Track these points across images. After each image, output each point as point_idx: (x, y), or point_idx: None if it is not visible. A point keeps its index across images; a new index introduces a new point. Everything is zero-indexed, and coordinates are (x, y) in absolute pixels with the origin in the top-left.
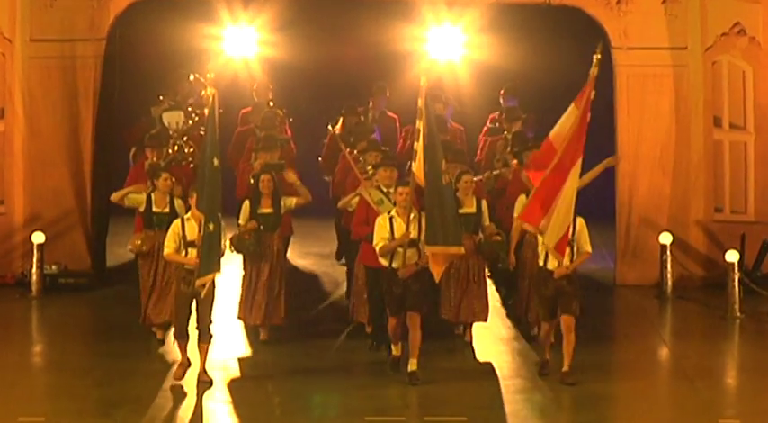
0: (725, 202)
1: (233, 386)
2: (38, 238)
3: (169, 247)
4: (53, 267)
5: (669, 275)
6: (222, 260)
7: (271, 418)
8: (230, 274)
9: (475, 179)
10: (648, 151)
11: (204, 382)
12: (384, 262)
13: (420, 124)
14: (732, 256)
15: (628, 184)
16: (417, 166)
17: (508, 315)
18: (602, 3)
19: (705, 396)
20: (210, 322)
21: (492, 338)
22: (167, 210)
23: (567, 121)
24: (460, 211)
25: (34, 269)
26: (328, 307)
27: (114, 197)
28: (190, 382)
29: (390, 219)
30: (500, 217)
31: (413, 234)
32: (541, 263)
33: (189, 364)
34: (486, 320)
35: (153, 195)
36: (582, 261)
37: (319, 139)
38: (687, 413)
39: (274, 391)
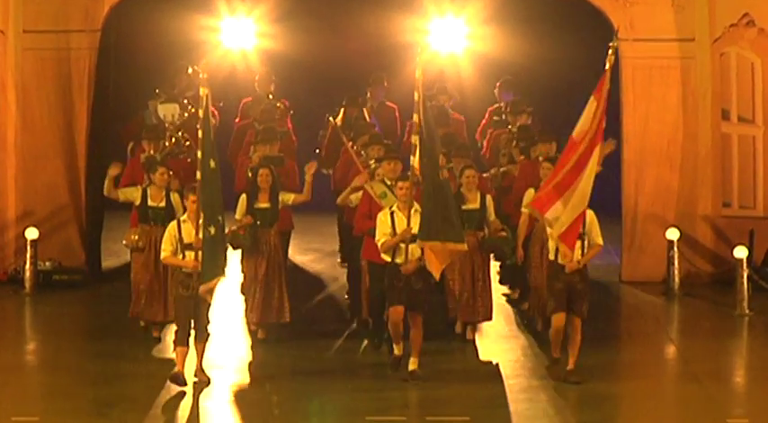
0: (733, 197)
1: (231, 385)
2: (31, 233)
3: (166, 250)
4: (47, 264)
5: (676, 272)
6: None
7: (269, 418)
8: (228, 273)
9: (483, 175)
10: (655, 145)
11: (201, 381)
12: (387, 258)
13: (417, 117)
14: (740, 252)
15: (634, 179)
16: (416, 160)
17: (513, 312)
18: None
19: (713, 395)
20: (208, 322)
21: (495, 336)
22: (163, 204)
23: (588, 115)
24: (464, 206)
25: (27, 265)
26: (329, 305)
27: (106, 191)
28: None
29: (392, 214)
30: (508, 213)
31: (414, 229)
32: (552, 257)
33: (185, 380)
34: (490, 319)
35: (149, 189)
36: (593, 255)
37: (318, 131)
38: (694, 413)
39: (273, 390)
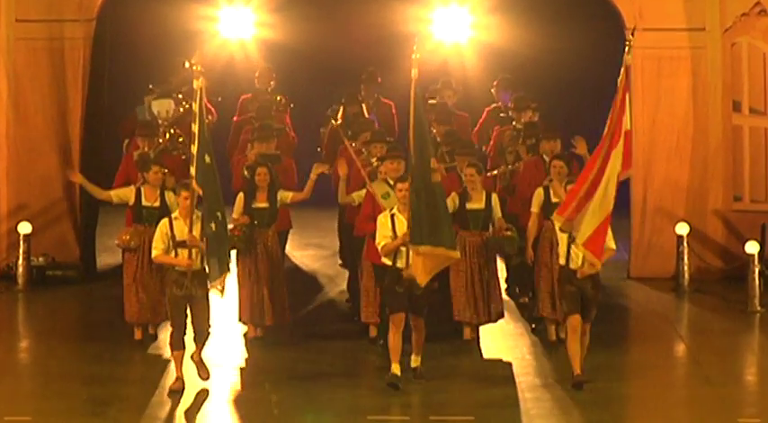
0: (744, 191)
1: (229, 385)
2: (24, 228)
3: (157, 248)
4: (40, 259)
5: (686, 268)
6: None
7: (269, 418)
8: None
9: (490, 174)
10: (664, 137)
11: (201, 375)
12: (387, 261)
13: (410, 117)
14: (752, 248)
15: (643, 172)
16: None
17: (520, 312)
18: None
19: (723, 394)
20: (209, 326)
21: (501, 336)
22: (158, 204)
23: (611, 116)
24: (468, 206)
25: (20, 261)
26: (329, 305)
27: (98, 196)
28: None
29: (392, 216)
30: (516, 212)
31: (452, 228)
32: (563, 261)
33: (183, 385)
34: (502, 317)
35: (142, 188)
36: (606, 259)
37: (319, 126)
38: (704, 412)
39: (272, 389)
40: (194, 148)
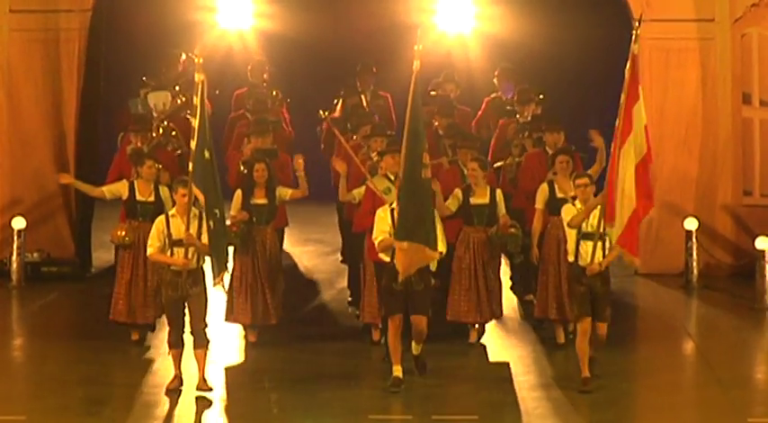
0: (754, 185)
1: (227, 384)
2: (18, 223)
3: (153, 246)
4: (35, 255)
5: (695, 264)
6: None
7: (268, 417)
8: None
9: (496, 165)
10: (672, 131)
11: (204, 391)
12: (385, 257)
13: (408, 110)
14: (762, 243)
15: (650, 166)
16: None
17: (524, 311)
18: None
19: (733, 393)
20: (205, 325)
21: (504, 334)
22: (152, 199)
23: (639, 120)
24: (472, 201)
25: (14, 257)
26: (330, 303)
27: (91, 193)
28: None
29: (392, 211)
30: (521, 207)
31: (436, 227)
32: (572, 259)
33: (182, 381)
34: (500, 317)
35: (136, 183)
36: (616, 256)
37: (318, 120)
38: (713, 411)
39: (271, 388)
40: (194, 144)
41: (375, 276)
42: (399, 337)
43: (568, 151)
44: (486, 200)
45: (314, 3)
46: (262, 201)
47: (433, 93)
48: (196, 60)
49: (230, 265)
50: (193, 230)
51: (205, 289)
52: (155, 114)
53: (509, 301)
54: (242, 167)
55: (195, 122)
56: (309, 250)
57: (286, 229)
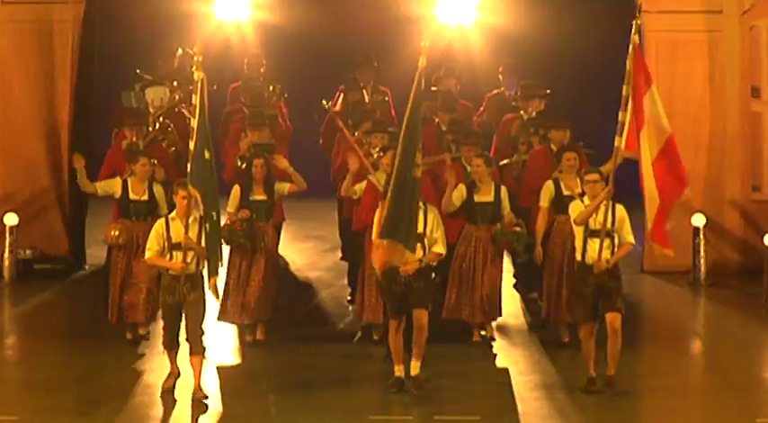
0: (763, 181)
1: (224, 383)
2: (10, 219)
3: (152, 249)
4: (27, 251)
5: (702, 261)
6: (222, 261)
7: (266, 417)
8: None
9: (501, 163)
10: (679, 125)
11: (200, 399)
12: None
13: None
14: None
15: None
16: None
17: (528, 309)
18: None
19: (741, 393)
20: (202, 333)
21: (508, 333)
22: (146, 197)
23: (654, 107)
24: (476, 198)
25: (6, 254)
26: (329, 301)
27: (82, 185)
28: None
29: None
30: (527, 205)
31: (417, 228)
32: (579, 257)
33: (179, 374)
34: (500, 316)
35: (129, 181)
36: (623, 254)
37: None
38: (721, 412)
39: (270, 388)
40: (192, 144)
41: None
42: (401, 338)
43: (575, 148)
44: (491, 198)
45: None
46: (261, 197)
47: (433, 88)
48: (195, 58)
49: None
50: (193, 234)
51: (204, 295)
52: (151, 110)
53: (512, 299)
54: (239, 163)
55: (194, 122)
56: (308, 247)
57: (284, 225)
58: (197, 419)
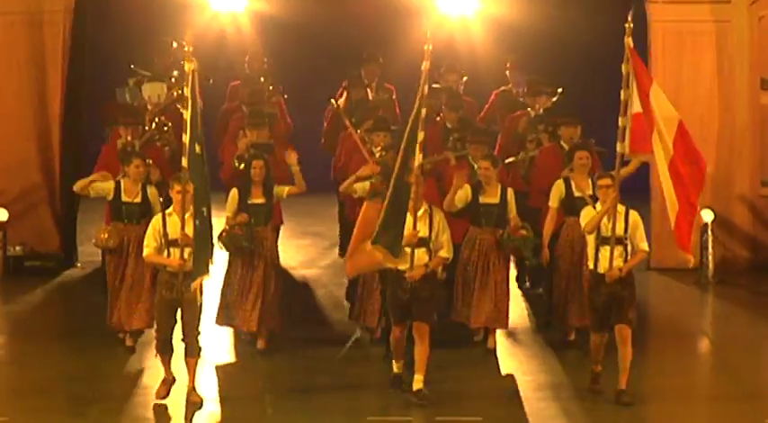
0: None
1: (221, 383)
2: (0, 215)
3: (149, 246)
4: (17, 249)
5: (710, 258)
6: (212, 260)
7: (263, 418)
8: (215, 274)
9: (507, 161)
10: (687, 118)
11: (194, 403)
12: (390, 264)
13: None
14: None
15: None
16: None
17: (531, 308)
18: None
19: (750, 392)
20: (198, 334)
21: (511, 332)
22: (138, 199)
23: (663, 103)
24: (482, 200)
25: None
26: (328, 301)
27: (77, 187)
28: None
29: None
30: (537, 205)
31: (422, 232)
32: (591, 265)
33: (173, 381)
34: (506, 327)
35: (122, 182)
36: (637, 262)
37: (317, 111)
38: (730, 412)
39: (267, 389)
40: (186, 138)
41: (375, 279)
42: (404, 340)
43: (588, 147)
44: (497, 199)
45: None
46: (260, 200)
47: (435, 85)
48: (186, 48)
49: (224, 268)
50: (190, 230)
51: (201, 294)
52: (149, 106)
53: (517, 298)
54: (236, 163)
55: (187, 114)
56: (306, 244)
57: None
58: (191, 421)
